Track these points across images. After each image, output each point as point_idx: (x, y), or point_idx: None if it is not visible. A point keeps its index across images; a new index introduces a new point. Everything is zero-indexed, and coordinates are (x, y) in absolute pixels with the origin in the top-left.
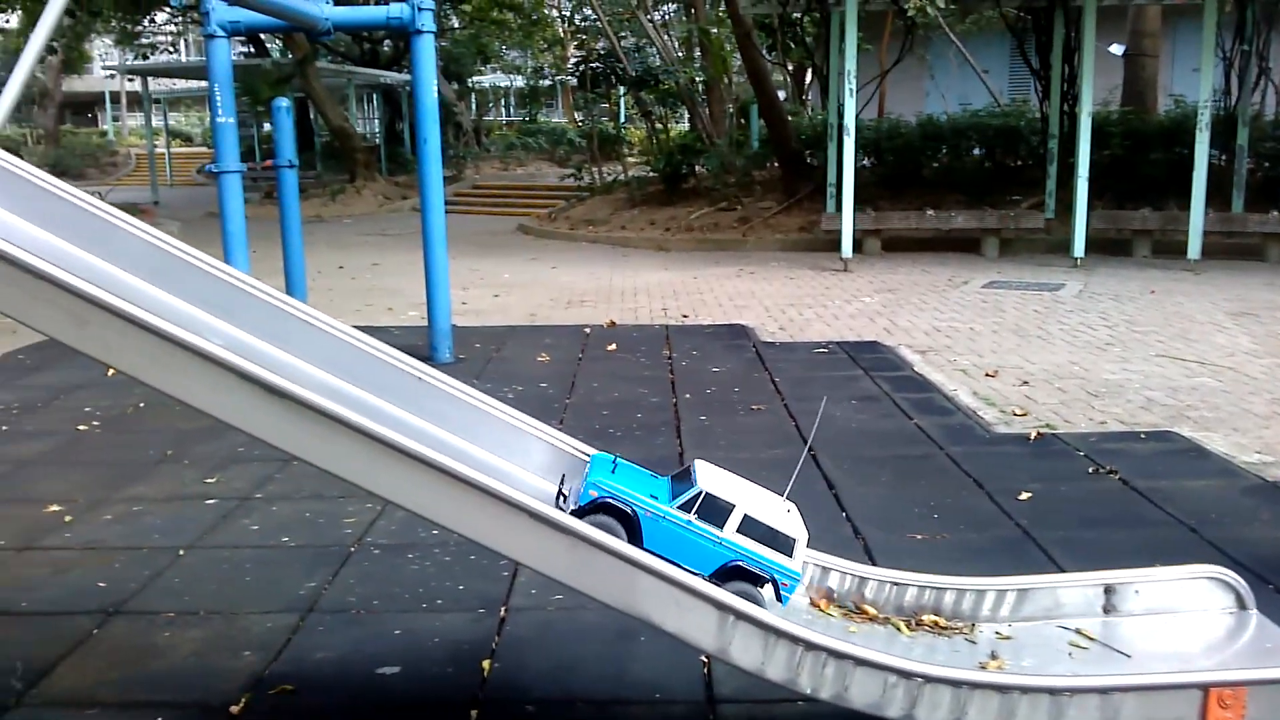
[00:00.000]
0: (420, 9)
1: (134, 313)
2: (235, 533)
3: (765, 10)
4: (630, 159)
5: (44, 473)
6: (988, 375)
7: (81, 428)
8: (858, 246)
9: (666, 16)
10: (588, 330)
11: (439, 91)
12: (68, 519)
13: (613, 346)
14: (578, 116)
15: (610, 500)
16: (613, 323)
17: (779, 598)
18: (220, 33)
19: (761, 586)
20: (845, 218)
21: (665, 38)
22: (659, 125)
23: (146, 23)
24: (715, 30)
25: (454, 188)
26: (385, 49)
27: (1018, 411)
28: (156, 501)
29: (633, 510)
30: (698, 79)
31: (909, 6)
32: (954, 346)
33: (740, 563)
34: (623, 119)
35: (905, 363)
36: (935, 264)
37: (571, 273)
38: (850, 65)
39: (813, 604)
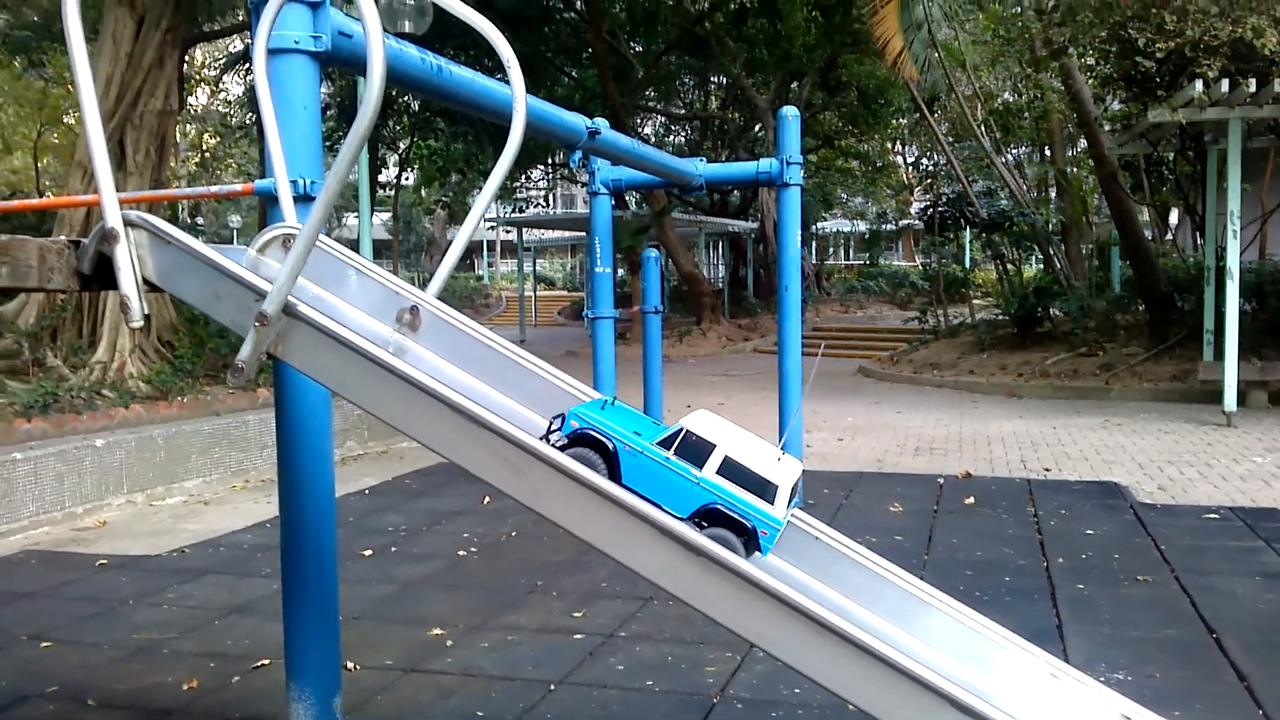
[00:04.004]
0: (789, 163)
1: (568, 465)
2: (602, 671)
3: (1133, 150)
4: (977, 302)
5: (428, 595)
6: None
7: (461, 553)
8: (1241, 399)
9: (1019, 158)
10: (941, 480)
11: None
12: (449, 643)
13: (971, 500)
14: (918, 260)
15: (590, 432)
16: (968, 474)
17: (759, 546)
18: (603, 190)
19: (745, 536)
20: (1228, 367)
21: (1018, 179)
22: (1011, 267)
23: (523, 178)
24: (1073, 170)
25: None
26: (734, 199)
27: None
28: (529, 631)
29: (611, 443)
30: (1054, 220)
31: None
32: None
33: (719, 505)
34: (967, 262)
35: None
36: None
37: (918, 418)
38: (1234, 205)
39: None
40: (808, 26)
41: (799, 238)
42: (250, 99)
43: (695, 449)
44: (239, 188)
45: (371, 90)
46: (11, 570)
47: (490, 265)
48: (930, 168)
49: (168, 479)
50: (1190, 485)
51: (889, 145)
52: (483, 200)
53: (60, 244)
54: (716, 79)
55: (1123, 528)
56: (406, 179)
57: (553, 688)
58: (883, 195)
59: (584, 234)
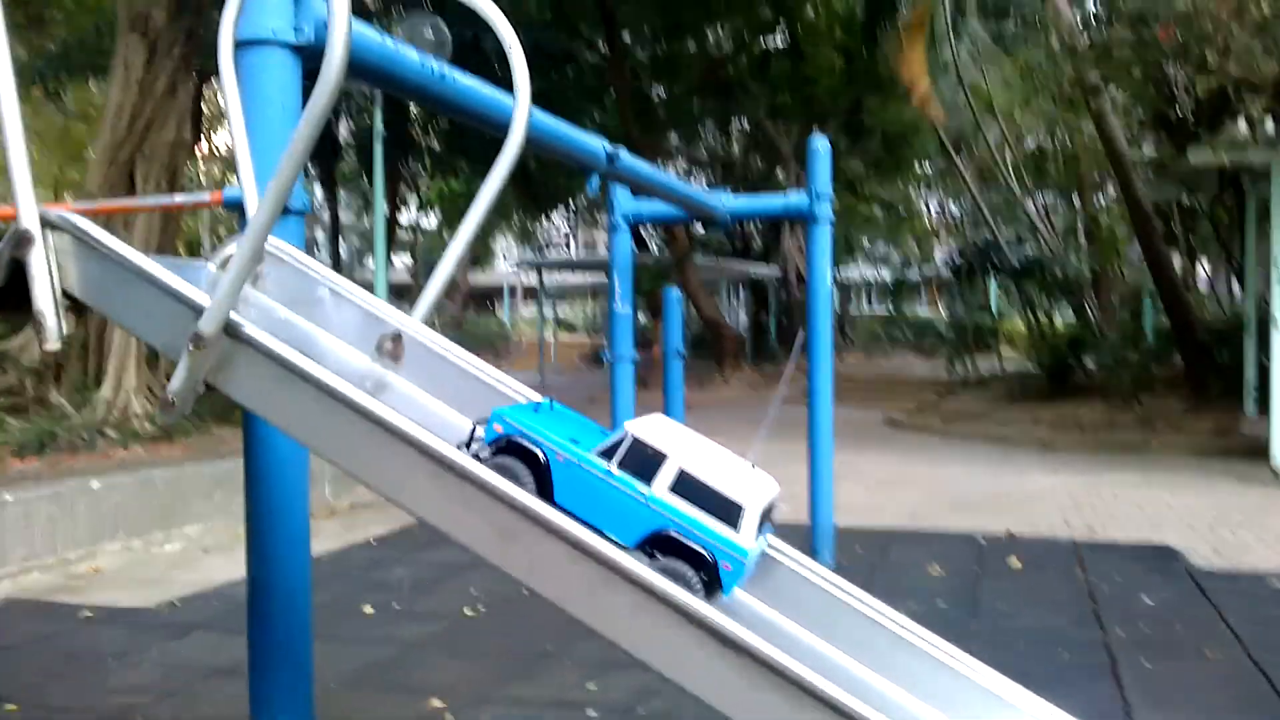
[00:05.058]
0: (818, 196)
1: (486, 480)
2: None
3: (1169, 194)
4: (1006, 352)
5: (430, 659)
6: None
7: (469, 611)
8: None
9: (1048, 205)
10: (983, 541)
11: (806, 281)
12: (448, 717)
13: (1017, 564)
14: (942, 308)
15: (516, 439)
16: (1011, 534)
17: (719, 584)
18: (623, 224)
19: (703, 570)
20: (1275, 422)
21: (1049, 225)
22: (1043, 317)
23: (544, 220)
24: (1104, 217)
25: None
26: (756, 244)
27: None
28: (537, 705)
29: (541, 452)
30: (1085, 268)
31: None
32: None
33: (671, 531)
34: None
35: None
36: None
37: (949, 471)
38: (1278, 252)
39: None
40: (832, 69)
41: (830, 276)
42: None
43: (643, 460)
44: (206, 197)
45: (333, 57)
46: None
47: (511, 309)
48: (957, 214)
49: (167, 524)
50: (1246, 549)
51: (913, 192)
52: (476, 209)
53: None
54: (739, 120)
55: (1181, 596)
56: (428, 221)
57: None
58: (906, 242)
59: (605, 278)
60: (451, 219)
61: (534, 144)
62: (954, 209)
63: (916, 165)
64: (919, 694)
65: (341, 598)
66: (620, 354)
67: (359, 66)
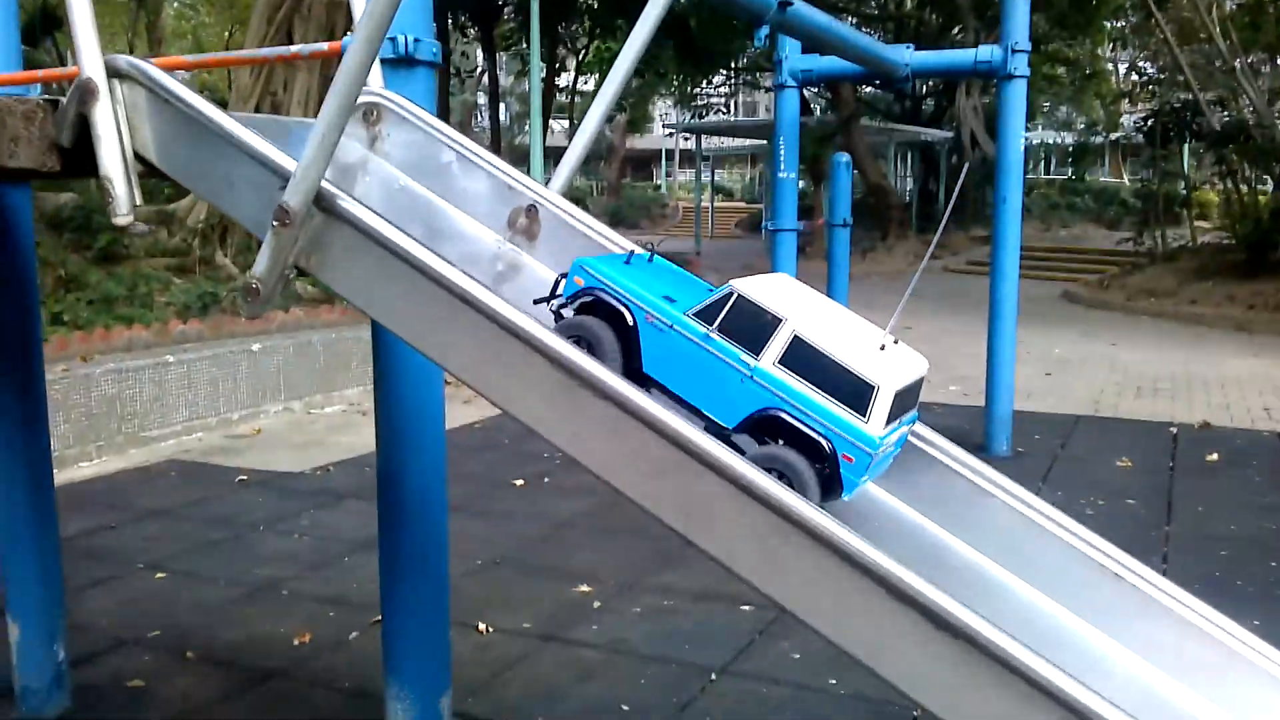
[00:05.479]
0: (1014, 51)
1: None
2: (773, 660)
3: None
4: (1201, 224)
5: (579, 540)
6: None
7: None
8: None
9: (1258, 66)
10: (1174, 430)
11: (980, 147)
12: (596, 604)
13: (1213, 456)
14: (1126, 176)
15: (600, 294)
16: (1207, 424)
17: (838, 478)
18: (791, 82)
19: (820, 463)
20: None
21: (1259, 88)
22: (1243, 187)
23: (704, 83)
24: None
25: (989, 248)
26: (926, 107)
27: None
28: (687, 596)
29: (629, 310)
30: None
31: None
32: None
33: (781, 412)
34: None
35: None
36: None
37: (1136, 352)
38: None
39: None
40: None
41: (1022, 140)
42: None
43: (751, 325)
44: (324, 47)
45: None
46: (150, 482)
47: (668, 175)
48: (1151, 74)
49: (327, 387)
50: None
51: (1100, 51)
52: (617, 73)
53: (31, 104)
54: None
55: None
56: (585, 84)
57: (713, 678)
58: (1091, 105)
59: (764, 142)
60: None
61: None
62: (1147, 69)
63: (1105, 23)
64: (1159, 662)
65: (493, 468)
66: (783, 223)
67: None
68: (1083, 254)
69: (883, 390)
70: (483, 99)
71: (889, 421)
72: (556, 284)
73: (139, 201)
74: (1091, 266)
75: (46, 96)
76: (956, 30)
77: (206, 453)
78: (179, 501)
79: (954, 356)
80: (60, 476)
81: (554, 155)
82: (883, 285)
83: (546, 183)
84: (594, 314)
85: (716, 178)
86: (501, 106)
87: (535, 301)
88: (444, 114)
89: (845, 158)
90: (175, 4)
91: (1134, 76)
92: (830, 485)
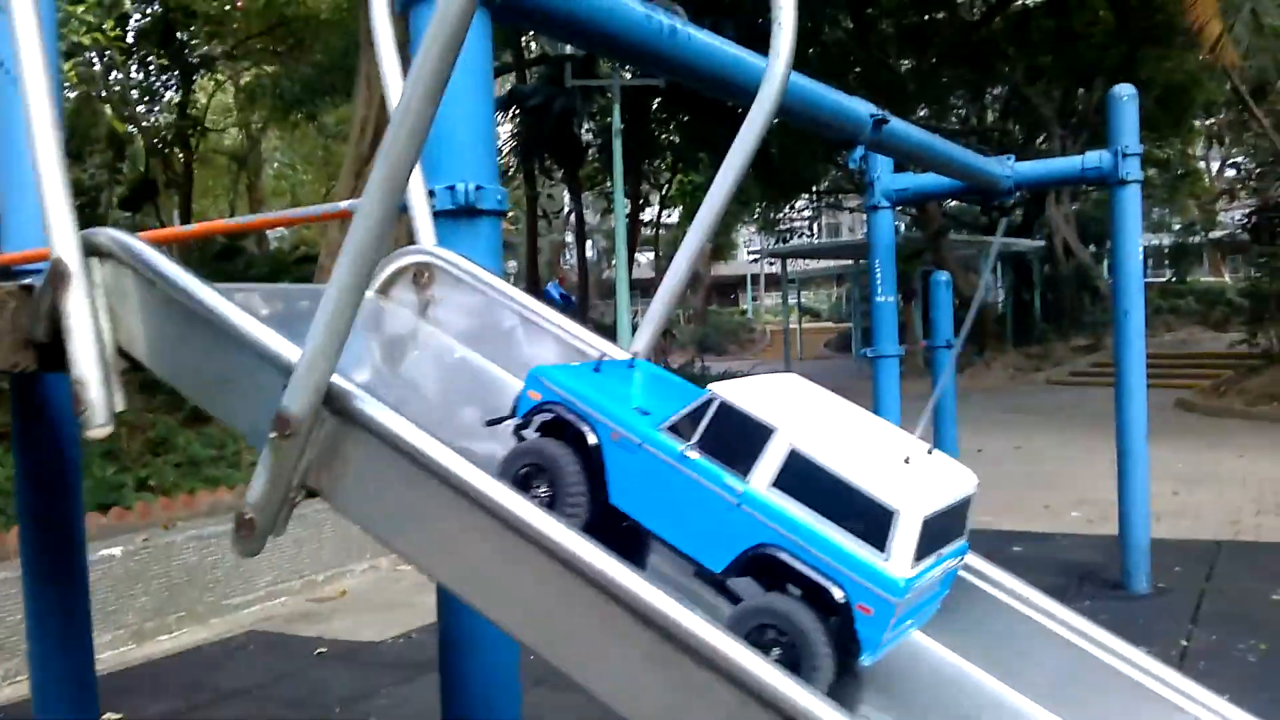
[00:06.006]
0: (1125, 155)
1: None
2: None
3: None
4: None
5: None
6: None
7: None
8: None
9: None
10: None
11: (1075, 254)
12: None
13: None
14: (1227, 275)
15: (559, 409)
16: None
17: (856, 639)
18: (884, 203)
19: (833, 615)
20: None
21: None
22: None
23: (787, 209)
24: None
25: (1092, 357)
26: (1015, 215)
27: None
28: None
29: (591, 427)
30: None
31: None
32: None
33: (777, 549)
34: None
35: None
36: None
37: (1269, 464)
38: None
39: None
40: (1100, 23)
41: (1140, 249)
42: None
43: (737, 438)
44: (342, 206)
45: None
46: (229, 657)
47: (754, 299)
48: (1249, 168)
49: None
50: None
51: (1189, 151)
52: (722, 182)
53: (4, 291)
54: (992, 90)
55: None
56: (669, 217)
57: None
58: (1185, 205)
59: (849, 262)
60: (693, 213)
61: (788, 111)
62: (1244, 164)
63: (1194, 122)
64: None
65: None
66: (884, 349)
67: (560, 19)
68: (1193, 358)
69: (905, 516)
70: (570, 238)
71: (920, 557)
72: (517, 401)
73: (121, 406)
74: (1204, 371)
75: (23, 282)
76: (1040, 140)
77: (289, 619)
78: (256, 681)
79: (1072, 477)
80: (139, 652)
81: (639, 287)
82: (984, 402)
83: (634, 323)
84: (556, 434)
85: (803, 299)
86: (589, 243)
87: (487, 422)
88: (533, 255)
89: (945, 276)
90: (276, 164)
91: (1230, 172)
92: (846, 643)
